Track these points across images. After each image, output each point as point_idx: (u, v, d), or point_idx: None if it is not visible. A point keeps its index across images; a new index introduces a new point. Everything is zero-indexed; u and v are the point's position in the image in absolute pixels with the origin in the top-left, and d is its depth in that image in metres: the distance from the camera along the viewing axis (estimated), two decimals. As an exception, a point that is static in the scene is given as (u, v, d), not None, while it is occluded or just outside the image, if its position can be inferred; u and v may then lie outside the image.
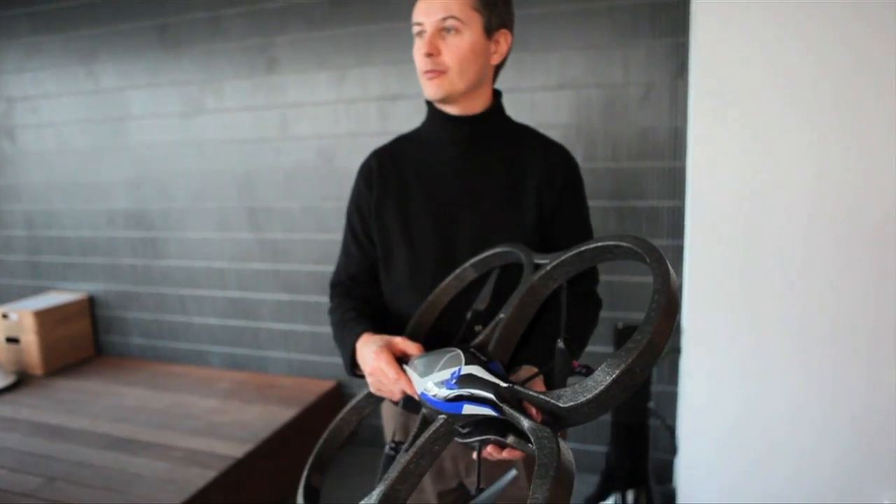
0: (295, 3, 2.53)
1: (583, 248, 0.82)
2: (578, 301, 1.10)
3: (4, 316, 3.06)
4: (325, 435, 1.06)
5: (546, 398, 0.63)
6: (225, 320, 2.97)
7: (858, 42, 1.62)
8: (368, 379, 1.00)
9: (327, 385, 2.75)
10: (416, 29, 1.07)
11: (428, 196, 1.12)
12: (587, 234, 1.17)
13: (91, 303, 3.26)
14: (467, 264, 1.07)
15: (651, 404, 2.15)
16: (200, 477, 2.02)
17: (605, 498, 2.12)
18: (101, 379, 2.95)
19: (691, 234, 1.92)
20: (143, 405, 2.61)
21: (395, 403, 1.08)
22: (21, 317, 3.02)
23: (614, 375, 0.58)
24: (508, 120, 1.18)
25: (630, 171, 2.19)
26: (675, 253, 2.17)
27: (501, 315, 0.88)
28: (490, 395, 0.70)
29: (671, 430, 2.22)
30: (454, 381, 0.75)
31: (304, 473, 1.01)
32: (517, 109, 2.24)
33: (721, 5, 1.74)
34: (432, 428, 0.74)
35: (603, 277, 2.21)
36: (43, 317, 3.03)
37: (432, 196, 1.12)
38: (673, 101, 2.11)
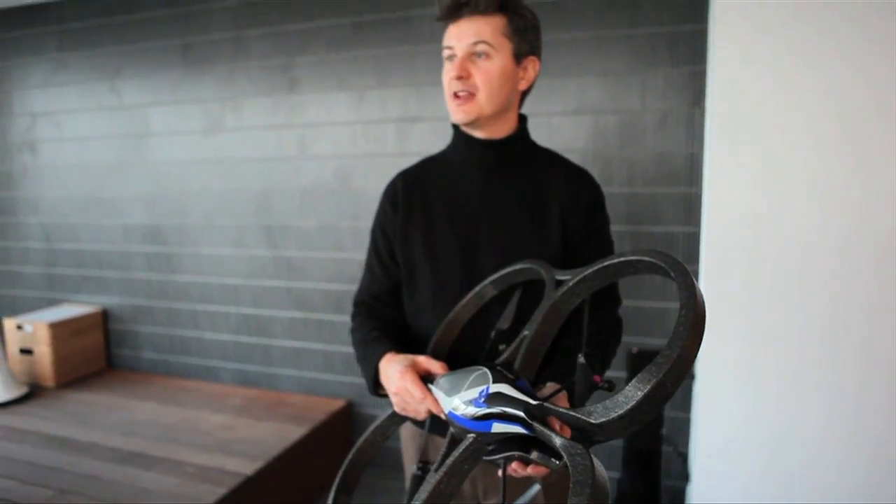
0: (317, 24, 2.58)
1: (605, 263, 0.82)
2: (601, 320, 1.11)
3: (19, 327, 3.08)
4: (350, 455, 1.06)
5: (577, 415, 0.63)
6: (237, 336, 2.98)
7: (873, 72, 1.64)
8: (393, 399, 1.00)
9: (338, 404, 2.74)
10: (446, 53, 1.09)
11: (452, 218, 1.13)
12: None
13: (105, 316, 3.28)
14: (487, 281, 1.07)
15: (664, 430, 2.13)
16: (210, 493, 2.01)
17: (617, 525, 2.10)
18: (113, 392, 2.95)
19: (706, 260, 1.92)
20: (154, 420, 2.61)
21: (418, 424, 1.08)
22: (35, 328, 3.04)
23: (646, 391, 0.57)
24: (533, 144, 1.20)
25: (646, 197, 2.20)
26: (690, 279, 2.17)
27: (526, 332, 0.89)
28: (520, 413, 0.70)
29: (683, 457, 2.20)
30: (483, 399, 0.75)
31: (332, 495, 1.01)
32: (535, 133, 2.25)
33: (738, 35, 1.77)
34: (462, 447, 0.74)
35: (617, 302, 2.22)
36: (57, 329, 3.05)
37: (457, 218, 1.13)
38: (689, 128, 2.13)
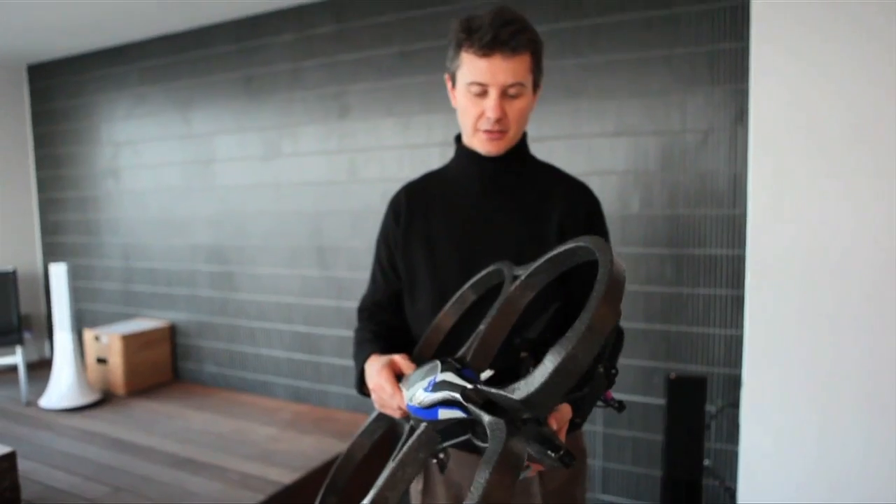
0: (367, 54, 2.71)
1: (552, 254, 0.85)
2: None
3: (97, 338, 3.33)
4: (339, 459, 1.11)
5: (503, 393, 0.66)
6: (290, 353, 3.10)
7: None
8: (373, 395, 1.04)
9: (381, 422, 2.78)
10: (475, 89, 1.09)
11: (452, 229, 1.17)
12: None
13: (172, 330, 3.49)
14: (465, 287, 1.09)
15: (707, 462, 2.04)
16: (250, 499, 2.09)
17: (654, 558, 2.01)
18: (175, 402, 3.13)
19: (752, 284, 1.85)
20: (208, 429, 2.75)
21: (403, 420, 1.10)
22: (111, 340, 3.27)
23: (557, 363, 0.60)
24: (532, 158, 1.22)
25: (688, 218, 2.15)
26: (735, 303, 2.10)
27: (481, 327, 0.92)
28: (457, 396, 0.74)
29: (731, 492, 2.10)
30: (430, 388, 0.80)
31: (320, 495, 1.06)
32: (574, 155, 2.27)
33: (780, 52, 1.73)
34: (415, 436, 0.77)
35: (659, 326, 2.17)
36: (129, 341, 3.27)
37: (456, 229, 1.17)
38: (732, 148, 2.07)
